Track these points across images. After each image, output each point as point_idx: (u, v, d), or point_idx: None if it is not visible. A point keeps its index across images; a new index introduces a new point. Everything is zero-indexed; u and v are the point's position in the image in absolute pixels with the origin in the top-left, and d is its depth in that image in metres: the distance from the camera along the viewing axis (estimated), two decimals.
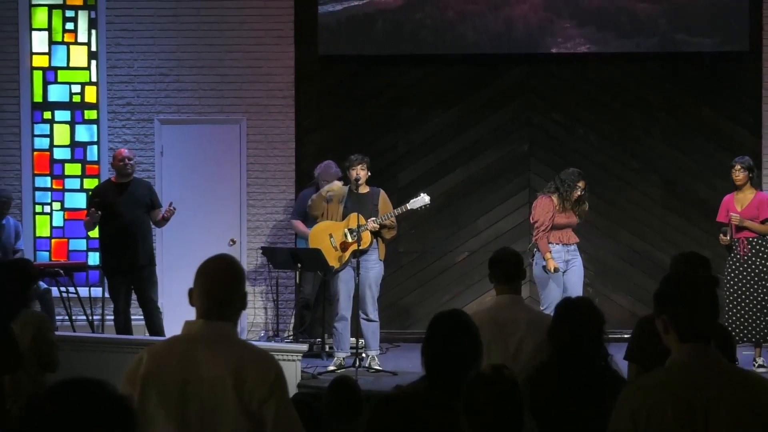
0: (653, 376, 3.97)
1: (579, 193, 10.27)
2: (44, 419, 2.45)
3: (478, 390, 3.76)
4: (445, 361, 4.64)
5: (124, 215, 10.87)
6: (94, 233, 11.74)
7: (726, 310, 9.95)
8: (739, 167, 10.17)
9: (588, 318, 5.29)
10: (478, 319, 6.45)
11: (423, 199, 10.16)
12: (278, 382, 3.99)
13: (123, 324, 10.96)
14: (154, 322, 10.89)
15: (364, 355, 10.12)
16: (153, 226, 11.31)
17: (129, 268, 10.90)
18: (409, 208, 10.14)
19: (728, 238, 10.07)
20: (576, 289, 10.05)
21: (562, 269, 10.13)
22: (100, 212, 10.79)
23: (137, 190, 11.05)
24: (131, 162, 11.13)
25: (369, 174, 10.24)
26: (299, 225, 11.54)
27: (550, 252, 10.06)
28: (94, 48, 12.86)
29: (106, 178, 11.93)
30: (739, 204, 10.12)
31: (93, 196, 11.22)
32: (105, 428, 2.44)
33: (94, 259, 12.73)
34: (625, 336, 7.01)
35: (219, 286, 4.08)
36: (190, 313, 4.14)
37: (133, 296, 11.09)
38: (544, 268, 10.07)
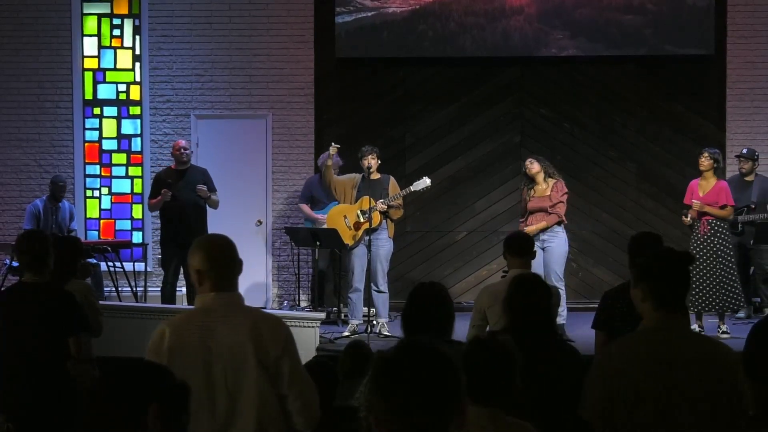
0: (627, 340, 3.94)
1: (527, 171, 10.14)
2: (122, 391, 2.79)
3: (475, 353, 3.75)
4: (420, 326, 4.65)
5: (181, 197, 10.82)
6: (137, 214, 11.74)
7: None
8: (706, 155, 10.07)
9: (537, 292, 5.20)
10: (496, 292, 6.45)
11: (425, 181, 10.14)
12: (289, 340, 4.04)
13: (169, 293, 10.93)
14: (194, 293, 10.82)
15: (375, 322, 10.10)
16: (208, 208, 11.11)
17: (183, 243, 10.78)
18: (412, 189, 10.13)
19: (689, 219, 9.98)
20: (551, 267, 9.86)
21: (538, 247, 10.01)
22: (171, 193, 10.76)
23: (193, 176, 11.02)
24: (187, 151, 11.11)
25: (379, 162, 10.21)
26: (305, 208, 11.49)
27: None
28: (138, 52, 12.83)
29: (166, 166, 11.67)
30: (701, 189, 10.02)
31: (157, 180, 11.15)
32: (164, 398, 2.78)
33: (137, 237, 12.73)
34: None
35: (222, 260, 4.10)
36: None
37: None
38: None
